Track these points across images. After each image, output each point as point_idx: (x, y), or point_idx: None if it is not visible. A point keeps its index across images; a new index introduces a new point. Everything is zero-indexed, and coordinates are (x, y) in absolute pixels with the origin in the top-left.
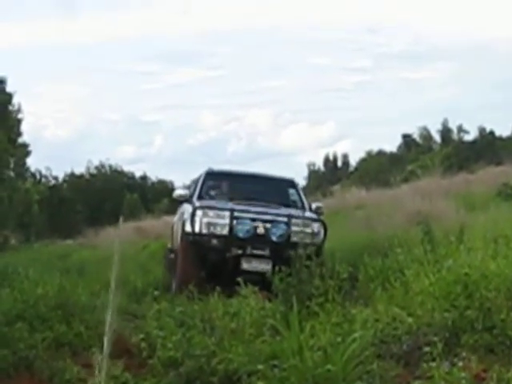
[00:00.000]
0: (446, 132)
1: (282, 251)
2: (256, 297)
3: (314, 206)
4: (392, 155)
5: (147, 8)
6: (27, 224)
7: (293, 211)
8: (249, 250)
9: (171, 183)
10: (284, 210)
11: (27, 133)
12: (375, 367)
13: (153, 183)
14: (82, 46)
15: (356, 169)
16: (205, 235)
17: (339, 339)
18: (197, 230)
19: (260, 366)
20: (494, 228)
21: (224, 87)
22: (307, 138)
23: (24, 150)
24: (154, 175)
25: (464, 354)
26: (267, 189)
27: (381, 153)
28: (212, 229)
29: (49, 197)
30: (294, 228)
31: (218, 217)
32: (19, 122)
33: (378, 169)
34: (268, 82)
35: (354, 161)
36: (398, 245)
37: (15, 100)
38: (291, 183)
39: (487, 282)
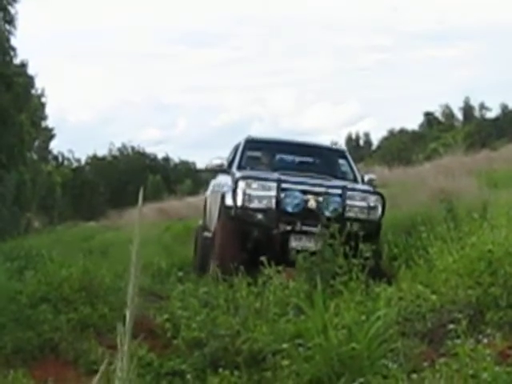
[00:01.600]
0: (468, 109)
1: (335, 228)
2: (280, 276)
3: (366, 177)
4: (414, 133)
5: None
6: (50, 207)
7: (346, 183)
8: (298, 227)
9: (194, 164)
10: (337, 182)
11: (51, 115)
12: (399, 345)
13: (175, 164)
14: (104, 29)
15: (378, 147)
16: (249, 209)
17: (363, 317)
18: (239, 203)
19: (285, 345)
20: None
21: (247, 68)
22: (329, 118)
23: (48, 134)
24: (177, 156)
25: (489, 331)
26: (315, 159)
27: (403, 131)
28: (257, 202)
29: (72, 179)
30: (348, 202)
31: (264, 188)
32: (43, 105)
33: (401, 147)
34: (291, 63)
35: (376, 139)
36: (422, 223)
37: (38, 84)
38: (341, 153)
39: (511, 259)
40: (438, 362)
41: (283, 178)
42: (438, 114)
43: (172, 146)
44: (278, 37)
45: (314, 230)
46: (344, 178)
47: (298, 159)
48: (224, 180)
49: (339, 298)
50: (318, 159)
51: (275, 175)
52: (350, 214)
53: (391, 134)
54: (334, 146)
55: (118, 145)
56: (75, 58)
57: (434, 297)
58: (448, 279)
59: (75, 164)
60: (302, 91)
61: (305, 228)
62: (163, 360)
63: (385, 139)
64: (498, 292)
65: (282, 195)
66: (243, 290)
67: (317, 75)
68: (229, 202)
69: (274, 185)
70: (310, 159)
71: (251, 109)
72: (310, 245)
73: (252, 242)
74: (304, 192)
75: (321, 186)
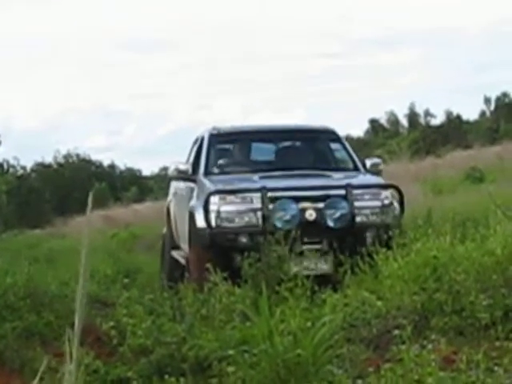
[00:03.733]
0: (413, 116)
1: (344, 240)
2: (225, 283)
3: (368, 163)
4: (359, 140)
5: None
6: None
7: (349, 177)
8: (297, 246)
9: (139, 171)
10: (337, 178)
11: None
12: (345, 351)
13: (121, 172)
14: (52, 34)
15: None
16: (227, 231)
17: (309, 324)
18: (214, 224)
19: (230, 352)
20: (462, 211)
21: (194, 75)
22: None
23: None
24: (123, 164)
25: (433, 337)
26: (301, 148)
27: (348, 138)
28: (237, 220)
29: (17, 187)
30: (357, 203)
31: (245, 201)
32: None
33: None
34: (238, 70)
35: None
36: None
37: None
38: (332, 135)
39: (456, 265)
40: (383, 367)
41: (269, 184)
42: (384, 121)
43: (118, 153)
44: (225, 44)
45: (318, 247)
46: (343, 168)
47: (280, 151)
48: (189, 186)
49: (285, 304)
50: (306, 147)
51: (257, 181)
52: (362, 220)
53: None
54: (321, 127)
55: (64, 151)
56: (21, 63)
57: (379, 303)
58: (393, 285)
59: (21, 171)
60: (249, 98)
61: (306, 247)
62: (109, 367)
63: None
64: (442, 298)
65: (271, 207)
66: (189, 297)
67: (264, 82)
68: (200, 223)
69: (257, 195)
70: (295, 148)
71: (198, 116)
72: (315, 267)
73: (239, 272)
74: (298, 199)
75: (319, 187)
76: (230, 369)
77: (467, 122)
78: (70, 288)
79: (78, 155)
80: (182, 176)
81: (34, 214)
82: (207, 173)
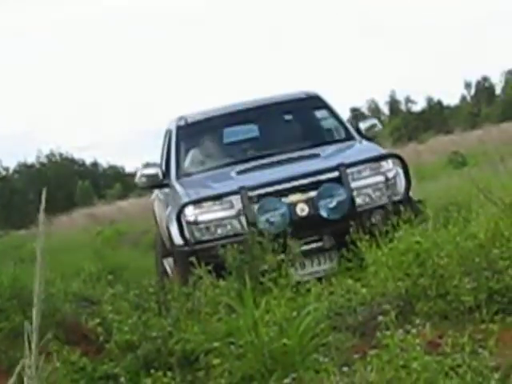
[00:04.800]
0: (393, 103)
1: (347, 230)
2: (210, 276)
3: (363, 126)
4: None
5: None
6: None
7: (341, 150)
8: (294, 249)
9: (122, 168)
10: (328, 156)
11: None
12: (331, 339)
13: (104, 169)
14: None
15: None
16: (209, 245)
17: (294, 313)
18: (192, 239)
19: (216, 344)
20: (445, 196)
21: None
22: None
23: None
24: (105, 161)
25: (418, 322)
26: (281, 125)
27: None
28: (219, 230)
29: (0, 188)
30: (354, 184)
31: (223, 207)
32: None
33: None
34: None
35: None
36: None
37: None
38: (317, 101)
39: (439, 250)
40: (369, 354)
41: (248, 181)
42: (365, 109)
43: (100, 150)
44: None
45: (318, 245)
46: (334, 140)
47: (257, 131)
48: (165, 192)
49: (270, 295)
50: (288, 122)
51: (234, 178)
52: (363, 202)
53: None
54: (302, 94)
55: (46, 151)
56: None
57: (364, 290)
58: (377, 272)
59: (3, 173)
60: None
61: (304, 248)
62: (96, 364)
63: None
64: (426, 282)
65: (255, 209)
66: (174, 291)
67: None
68: (177, 240)
69: (236, 198)
70: (274, 126)
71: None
72: (320, 268)
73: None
74: (285, 193)
75: (306, 175)
76: (216, 361)
77: (448, 108)
78: (55, 287)
79: (60, 154)
80: (152, 183)
81: (18, 214)
82: (179, 175)
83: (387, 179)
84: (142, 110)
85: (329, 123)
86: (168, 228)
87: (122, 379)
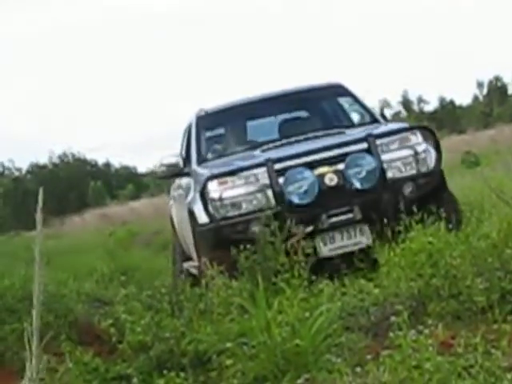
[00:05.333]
0: (406, 103)
1: (379, 202)
2: (222, 276)
3: (388, 113)
4: None
5: None
6: None
7: (369, 129)
8: (323, 221)
9: (135, 169)
10: (355, 132)
11: None
12: (343, 340)
13: (116, 170)
14: (42, 34)
15: None
16: (235, 221)
17: (307, 314)
18: (217, 214)
19: (229, 345)
20: (457, 196)
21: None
22: None
23: None
24: (118, 162)
25: (431, 322)
26: (307, 114)
27: None
28: (244, 205)
29: (12, 189)
30: (384, 156)
31: (248, 181)
32: None
33: None
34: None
35: None
36: None
37: None
38: (340, 89)
39: (451, 250)
40: (381, 354)
41: (273, 154)
42: (377, 109)
43: (113, 151)
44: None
45: (349, 216)
46: (360, 124)
47: (283, 124)
48: (185, 182)
49: (282, 295)
50: (312, 112)
51: (259, 155)
52: (393, 175)
53: None
54: (325, 84)
55: (59, 151)
56: (11, 64)
57: (376, 290)
58: (390, 272)
59: (16, 173)
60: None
61: (334, 220)
62: (109, 365)
63: None
64: (439, 283)
65: (281, 181)
66: (187, 291)
67: None
68: (201, 218)
69: (261, 171)
70: (299, 117)
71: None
72: (351, 242)
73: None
74: (312, 165)
75: (334, 146)
76: (229, 361)
77: (460, 107)
78: (67, 288)
79: (73, 155)
80: (172, 172)
81: (30, 215)
82: (201, 161)
83: (416, 153)
84: (154, 110)
85: (354, 109)
86: (191, 212)
87: (135, 380)
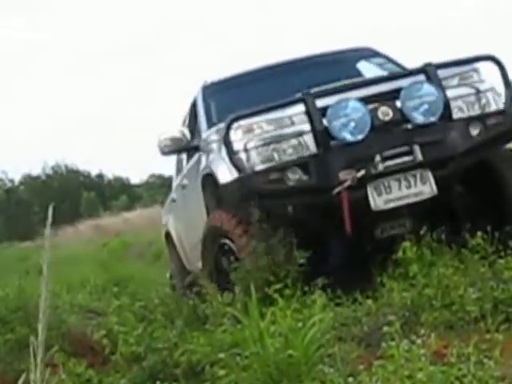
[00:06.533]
0: None
1: (442, 140)
2: (214, 287)
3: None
4: None
5: None
6: None
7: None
8: (377, 164)
9: (128, 180)
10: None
11: None
12: (336, 350)
13: (109, 181)
14: (33, 42)
15: None
16: (268, 169)
17: (300, 324)
18: (248, 167)
19: (222, 355)
20: None
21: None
22: None
23: None
24: (110, 173)
25: (423, 332)
26: (332, 74)
27: None
28: (276, 156)
29: (5, 200)
30: (450, 92)
31: (280, 126)
32: None
33: None
34: None
35: None
36: None
37: None
38: (368, 51)
39: (445, 260)
40: (374, 364)
41: (311, 90)
42: None
43: (105, 161)
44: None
45: (408, 159)
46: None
47: (301, 83)
48: (193, 167)
49: (275, 306)
50: (338, 71)
51: (295, 95)
52: (456, 114)
53: None
54: (350, 48)
55: (52, 163)
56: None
57: (369, 301)
58: (382, 283)
59: (9, 184)
60: None
61: (390, 163)
62: (102, 376)
63: None
64: (432, 293)
65: (325, 122)
66: (180, 302)
67: None
68: (224, 176)
69: (297, 111)
70: (323, 75)
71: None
72: (411, 192)
73: (307, 236)
74: (364, 98)
75: (387, 78)
76: (222, 372)
77: None
78: (61, 299)
79: (66, 166)
80: (178, 146)
81: (24, 226)
82: (210, 124)
83: (480, 91)
84: (145, 121)
85: (388, 68)
86: (209, 177)
87: None
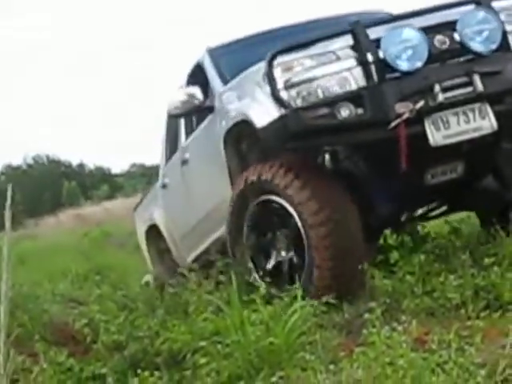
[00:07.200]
0: None
1: (504, 72)
2: (197, 274)
3: None
4: None
5: None
6: None
7: None
8: (436, 95)
9: (109, 169)
10: None
11: None
12: (317, 337)
13: (90, 170)
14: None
15: None
16: (316, 105)
17: (281, 312)
18: (295, 104)
19: (203, 343)
20: None
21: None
22: None
23: None
24: (92, 162)
25: (404, 319)
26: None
27: None
28: (320, 93)
29: None
30: (509, 25)
31: (325, 62)
32: None
33: None
34: None
35: None
36: None
37: None
38: (384, 14)
39: (427, 247)
40: (355, 351)
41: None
42: None
43: (87, 151)
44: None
45: (468, 90)
46: None
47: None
48: (200, 136)
49: (256, 294)
50: None
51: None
52: None
53: None
54: (365, 11)
55: (33, 153)
56: None
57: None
58: (363, 270)
59: None
60: None
61: (449, 94)
62: (84, 364)
63: None
64: (412, 279)
65: (380, 53)
66: (161, 290)
67: None
68: (261, 118)
69: (344, 44)
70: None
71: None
72: (470, 126)
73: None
74: (423, 27)
75: (443, 7)
76: (203, 360)
77: None
78: (42, 288)
79: (47, 156)
80: (188, 109)
81: (1, 216)
82: (225, 82)
83: None
84: (127, 109)
85: None
86: (242, 123)
87: (110, 379)
